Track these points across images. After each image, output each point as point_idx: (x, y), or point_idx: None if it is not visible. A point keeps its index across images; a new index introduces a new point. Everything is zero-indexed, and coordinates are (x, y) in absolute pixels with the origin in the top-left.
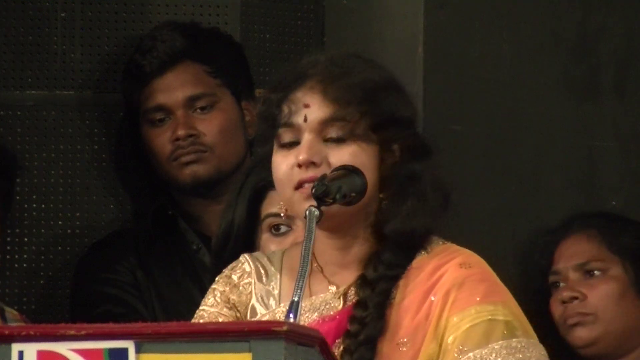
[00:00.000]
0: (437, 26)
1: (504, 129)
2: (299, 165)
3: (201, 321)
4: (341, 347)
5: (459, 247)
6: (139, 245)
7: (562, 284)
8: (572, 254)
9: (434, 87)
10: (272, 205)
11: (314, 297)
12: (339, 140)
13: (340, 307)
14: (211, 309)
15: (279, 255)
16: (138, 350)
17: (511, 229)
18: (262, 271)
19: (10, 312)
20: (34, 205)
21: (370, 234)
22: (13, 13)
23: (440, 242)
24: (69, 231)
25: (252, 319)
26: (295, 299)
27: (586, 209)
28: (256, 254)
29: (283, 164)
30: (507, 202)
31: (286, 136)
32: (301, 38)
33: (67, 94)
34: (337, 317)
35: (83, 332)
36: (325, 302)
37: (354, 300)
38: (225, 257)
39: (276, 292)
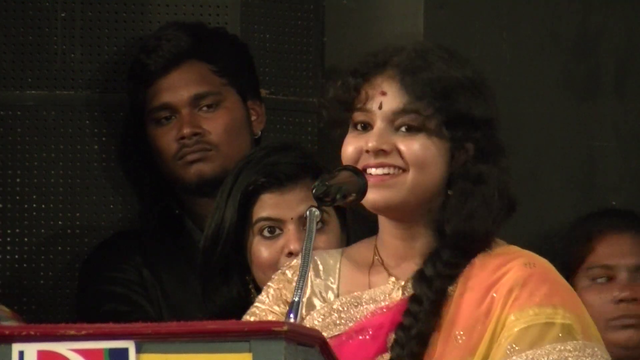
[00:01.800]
0: (437, 26)
1: (504, 129)
2: (367, 151)
3: (252, 318)
4: (393, 339)
5: (522, 249)
6: (145, 244)
7: (609, 280)
8: (629, 252)
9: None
10: (264, 209)
11: (373, 290)
12: (410, 131)
13: (398, 298)
14: (262, 306)
15: (338, 252)
16: (138, 350)
17: (511, 229)
18: (321, 267)
19: (2, 309)
20: (34, 205)
21: (433, 229)
22: (13, 13)
23: (503, 244)
24: (69, 231)
25: (310, 313)
26: (296, 299)
27: (586, 209)
28: (314, 252)
29: (352, 145)
30: None
31: (360, 119)
32: (301, 38)
33: (67, 94)
34: (394, 308)
35: (83, 332)
36: (383, 293)
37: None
38: (214, 260)
39: (334, 285)
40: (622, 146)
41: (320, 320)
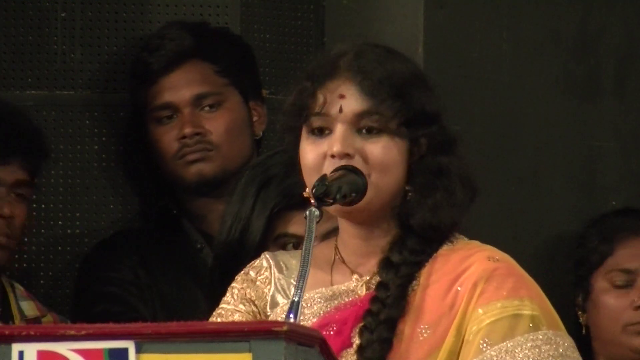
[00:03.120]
0: (437, 26)
1: (504, 129)
2: (332, 156)
3: (219, 319)
4: (361, 325)
5: (483, 244)
6: (142, 244)
7: (629, 284)
8: None
9: (433, 87)
10: (289, 226)
11: (336, 286)
12: (371, 133)
13: (363, 294)
14: (228, 306)
15: (299, 253)
16: (138, 350)
17: (511, 229)
18: (283, 265)
19: (18, 287)
20: (34, 205)
21: (394, 224)
22: (13, 13)
23: (463, 238)
24: (69, 231)
25: (273, 310)
26: (296, 299)
27: (586, 209)
28: (277, 252)
29: (312, 152)
30: (507, 202)
31: (317, 124)
32: (301, 38)
33: (67, 94)
34: (358, 303)
35: (83, 332)
36: (347, 290)
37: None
38: (231, 266)
39: (306, 283)
40: (622, 146)
41: (284, 317)
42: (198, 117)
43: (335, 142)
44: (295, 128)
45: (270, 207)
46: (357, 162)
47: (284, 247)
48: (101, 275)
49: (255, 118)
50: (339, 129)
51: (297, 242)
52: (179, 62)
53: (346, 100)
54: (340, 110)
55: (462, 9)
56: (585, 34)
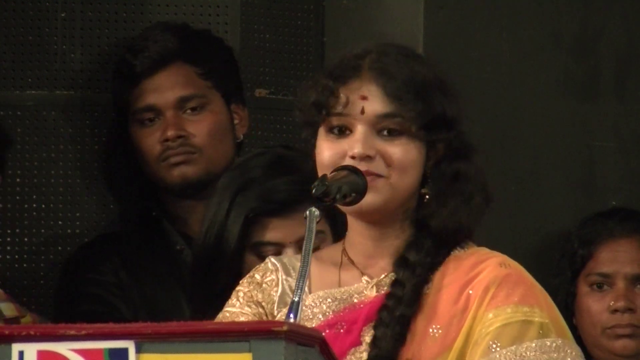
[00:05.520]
0: (437, 26)
1: (504, 129)
2: (353, 157)
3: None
4: (375, 320)
5: (493, 251)
6: (124, 246)
7: (606, 288)
8: (628, 260)
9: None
10: (264, 234)
11: (346, 287)
12: (392, 135)
13: (373, 295)
14: (233, 309)
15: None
16: (138, 350)
17: (511, 229)
18: (290, 268)
19: None
20: (34, 205)
21: (407, 227)
22: (13, 13)
23: (473, 245)
24: (68, 231)
25: (283, 310)
26: (296, 299)
27: (586, 209)
28: (281, 256)
29: (330, 150)
30: (506, 202)
31: (337, 124)
32: (301, 38)
33: (67, 94)
34: (369, 304)
35: (83, 332)
36: (357, 291)
37: (387, 290)
38: (211, 272)
39: (305, 285)
40: (622, 146)
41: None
42: (181, 120)
43: (356, 144)
44: (314, 123)
45: (245, 212)
46: (378, 164)
47: (261, 256)
48: (83, 276)
49: (236, 121)
50: (360, 130)
51: (275, 250)
52: (163, 65)
53: (368, 101)
54: (362, 112)
55: (462, 9)
56: (585, 34)
